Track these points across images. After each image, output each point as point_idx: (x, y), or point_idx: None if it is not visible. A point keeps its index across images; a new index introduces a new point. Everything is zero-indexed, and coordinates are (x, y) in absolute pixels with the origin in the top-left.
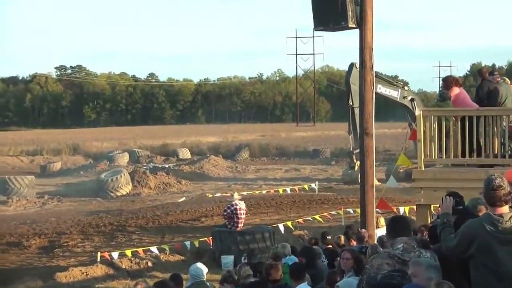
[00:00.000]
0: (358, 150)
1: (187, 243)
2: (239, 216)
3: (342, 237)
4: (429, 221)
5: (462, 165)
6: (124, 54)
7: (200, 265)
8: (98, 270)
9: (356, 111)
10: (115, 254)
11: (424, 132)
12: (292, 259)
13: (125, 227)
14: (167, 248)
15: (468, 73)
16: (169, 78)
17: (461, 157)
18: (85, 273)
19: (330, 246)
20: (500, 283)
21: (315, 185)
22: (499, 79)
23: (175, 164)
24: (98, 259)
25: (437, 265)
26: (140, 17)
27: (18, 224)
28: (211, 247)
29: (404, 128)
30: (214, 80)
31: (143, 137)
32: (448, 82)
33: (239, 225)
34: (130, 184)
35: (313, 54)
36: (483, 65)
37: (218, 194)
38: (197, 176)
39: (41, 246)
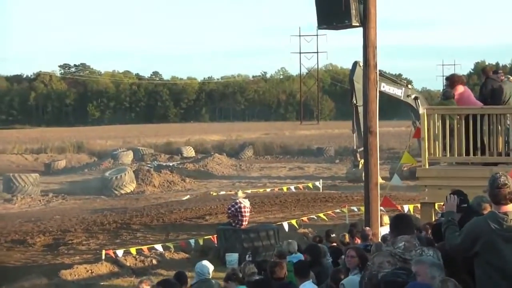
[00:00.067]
0: (362, 149)
1: (192, 241)
2: (243, 214)
3: (347, 235)
4: (433, 219)
5: (466, 163)
6: (128, 52)
7: (206, 262)
8: (103, 267)
9: (360, 109)
10: (119, 252)
11: (428, 130)
12: (298, 256)
13: (130, 225)
14: (171, 246)
15: (472, 71)
16: (173, 76)
17: (465, 155)
18: (90, 271)
19: (335, 244)
20: (505, 281)
21: (319, 183)
22: (503, 77)
23: (179, 162)
24: (103, 257)
25: (440, 264)
26: (143, 15)
27: (23, 222)
28: (216, 245)
29: (408, 126)
30: (218, 79)
31: (147, 135)
32: (453, 80)
33: (244, 223)
34: (135, 182)
35: (317, 52)
36: (487, 63)
37: (222, 192)
38: (201, 174)
39: (45, 243)
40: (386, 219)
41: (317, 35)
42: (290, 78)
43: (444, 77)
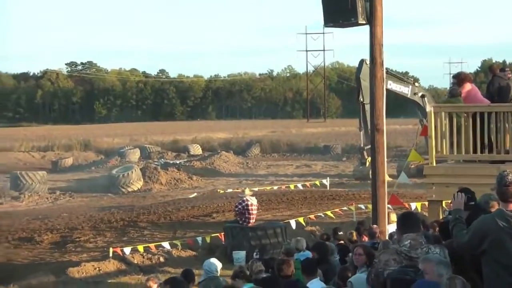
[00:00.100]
0: (369, 146)
1: (199, 238)
2: (250, 211)
3: (354, 233)
4: (440, 217)
5: (473, 161)
6: (135, 50)
7: (214, 260)
8: (111, 265)
9: (367, 107)
10: (127, 250)
11: (435, 128)
12: (306, 254)
13: (137, 223)
14: (179, 244)
15: (479, 69)
16: (179, 74)
17: (473, 153)
18: (97, 268)
19: (342, 242)
20: None
21: (326, 181)
22: (510, 75)
23: (186, 160)
24: (110, 255)
25: (447, 261)
26: (150, 13)
27: (30, 219)
28: (223, 243)
29: (415, 124)
30: (224, 76)
31: (154, 133)
32: (461, 78)
33: (251, 220)
34: (141, 180)
35: (323, 50)
36: (494, 61)
37: (229, 190)
38: (208, 172)
39: (53, 241)
40: (394, 217)
41: (323, 33)
42: (297, 76)
43: (451, 75)
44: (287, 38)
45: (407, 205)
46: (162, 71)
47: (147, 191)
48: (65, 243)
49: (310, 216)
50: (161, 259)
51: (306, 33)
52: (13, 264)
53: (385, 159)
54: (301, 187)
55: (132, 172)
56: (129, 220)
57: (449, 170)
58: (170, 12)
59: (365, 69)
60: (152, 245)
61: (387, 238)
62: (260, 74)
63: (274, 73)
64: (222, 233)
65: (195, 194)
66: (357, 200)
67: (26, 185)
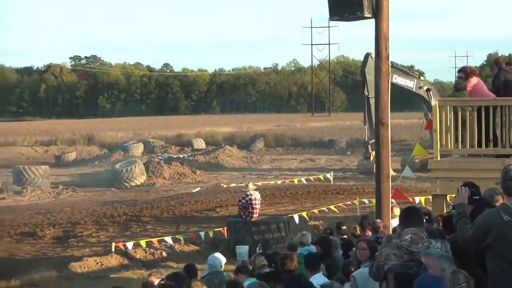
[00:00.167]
0: (373, 140)
1: (202, 233)
2: (254, 206)
3: (358, 228)
4: (445, 211)
5: (478, 155)
6: (139, 44)
7: (218, 255)
8: (113, 260)
9: (372, 101)
10: (129, 244)
11: (440, 122)
12: (309, 249)
13: (140, 218)
14: (181, 238)
15: (484, 63)
16: (183, 68)
17: (477, 147)
18: (99, 263)
19: (345, 236)
20: None
21: (330, 175)
22: None
23: (189, 154)
24: (113, 249)
25: (449, 256)
26: (155, 7)
27: (33, 214)
28: (226, 237)
29: (420, 118)
30: (229, 70)
31: (157, 127)
32: (467, 72)
33: (254, 215)
34: (145, 174)
35: (329, 44)
36: (499, 55)
37: (233, 185)
38: (212, 166)
39: (55, 236)
40: (397, 211)
41: (328, 26)
42: (302, 70)
43: (457, 69)
44: (292, 31)
45: (411, 199)
46: (166, 65)
47: (150, 185)
48: (67, 238)
49: (313, 210)
50: (164, 254)
51: (311, 27)
52: (15, 259)
53: (390, 153)
54: (305, 182)
55: (135, 166)
56: (132, 214)
57: (454, 164)
58: (175, 6)
59: (370, 63)
60: (154, 240)
61: (390, 232)
62: (264, 68)
63: (279, 67)
64: (225, 228)
65: (199, 188)
66: (361, 194)
67: (29, 179)
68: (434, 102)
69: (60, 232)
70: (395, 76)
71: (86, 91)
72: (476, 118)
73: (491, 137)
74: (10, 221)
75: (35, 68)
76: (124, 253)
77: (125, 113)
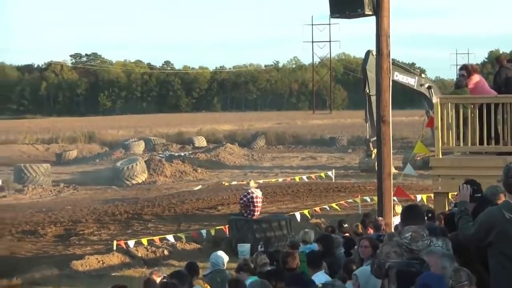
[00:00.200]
0: (375, 138)
1: (203, 231)
2: (255, 204)
3: (360, 226)
4: (446, 209)
5: (480, 153)
6: (140, 42)
7: (221, 253)
8: (114, 258)
9: (373, 98)
10: (131, 243)
11: (442, 119)
12: (311, 247)
13: (141, 216)
14: (183, 237)
15: (486, 60)
16: (184, 66)
17: (479, 144)
18: (101, 262)
19: (347, 234)
20: None
21: (332, 173)
22: None
23: (191, 152)
24: (114, 248)
25: (450, 254)
26: (155, 4)
27: (34, 212)
28: (228, 236)
29: (421, 115)
30: (229, 68)
31: (158, 125)
32: (470, 69)
33: (256, 213)
34: (146, 172)
35: (330, 41)
36: (501, 52)
37: (234, 182)
38: (213, 164)
39: (57, 234)
40: (399, 209)
41: (329, 24)
42: (303, 67)
43: (458, 66)
44: (293, 29)
45: (413, 197)
46: (167, 63)
47: (151, 183)
48: (68, 236)
49: (315, 208)
50: (165, 252)
51: (312, 24)
52: (16, 257)
53: (391, 151)
54: (306, 179)
55: (136, 164)
56: (133, 212)
57: (455, 162)
58: (175, 3)
59: (372, 60)
60: (156, 238)
61: (392, 230)
62: (265, 66)
63: (280, 65)
64: (227, 226)
65: (200, 186)
66: (362, 192)
67: (30, 177)
68: (435, 99)
69: (62, 230)
70: (396, 73)
71: (86, 88)
72: (477, 116)
73: (492, 134)
74: (11, 219)
75: (35, 65)
76: (126, 251)
77: (126, 111)
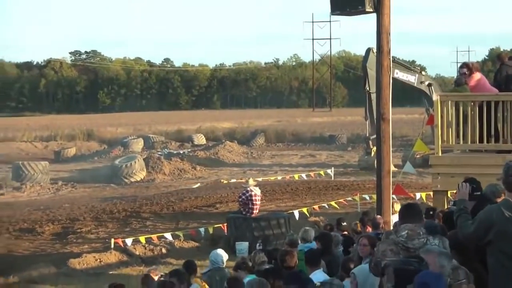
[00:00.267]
0: (374, 136)
1: (202, 229)
2: (254, 202)
3: (359, 224)
4: (446, 207)
5: (479, 151)
6: (139, 39)
7: (220, 251)
8: (112, 256)
9: (373, 96)
10: (129, 241)
11: (442, 117)
12: (311, 245)
13: (139, 214)
14: (181, 235)
15: (486, 57)
16: (184, 63)
17: (479, 142)
18: (98, 260)
19: (346, 232)
20: None
21: (331, 171)
22: None
23: (190, 150)
24: (112, 246)
25: (448, 252)
26: (155, 1)
27: (32, 210)
28: (226, 234)
29: (421, 113)
30: (229, 65)
31: (158, 123)
32: (472, 67)
33: (254, 211)
34: (145, 170)
35: (330, 39)
36: (501, 50)
37: (233, 180)
38: (212, 162)
39: (54, 232)
40: (398, 207)
41: (330, 21)
42: (303, 64)
43: (458, 64)
44: (294, 26)
45: (412, 195)
46: (166, 60)
47: (150, 181)
48: (66, 234)
49: (314, 206)
50: (163, 250)
51: (313, 21)
52: (14, 255)
53: (391, 149)
54: (305, 177)
55: (135, 162)
56: (132, 211)
57: (455, 160)
58: (175, 1)
59: (372, 58)
60: (154, 236)
61: (391, 228)
62: (265, 63)
63: (280, 62)
64: (225, 224)
65: (199, 184)
66: (361, 190)
67: (28, 175)
68: (435, 97)
69: (59, 229)
70: (396, 71)
71: (86, 86)
72: (477, 114)
73: (492, 132)
74: (9, 217)
75: (35, 63)
76: (123, 250)
77: (125, 108)
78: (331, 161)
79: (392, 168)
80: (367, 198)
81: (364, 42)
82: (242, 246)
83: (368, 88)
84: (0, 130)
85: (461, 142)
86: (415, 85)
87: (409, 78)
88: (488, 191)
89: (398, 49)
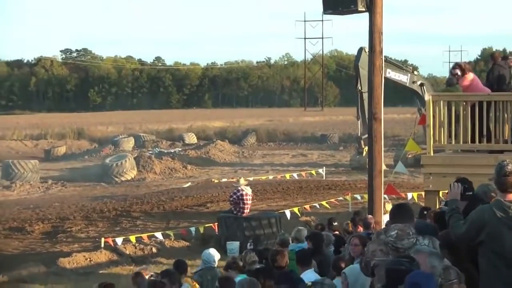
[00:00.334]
0: (366, 135)
1: (192, 229)
2: (245, 201)
3: (350, 224)
4: (437, 207)
5: (471, 151)
6: (130, 37)
7: (212, 251)
8: (102, 256)
9: (365, 95)
10: (119, 240)
11: (434, 117)
12: (303, 245)
13: (130, 213)
14: (172, 234)
15: (479, 57)
16: (175, 62)
17: (471, 142)
18: (88, 259)
19: (337, 232)
20: (509, 270)
21: (323, 170)
22: None
23: (181, 149)
24: (102, 245)
25: (438, 253)
26: (146, 0)
27: (21, 209)
28: (217, 233)
29: (413, 113)
30: (221, 64)
31: (149, 122)
32: (464, 68)
33: (245, 210)
34: (135, 169)
35: (322, 38)
36: (493, 49)
37: (224, 180)
38: (203, 161)
39: (44, 231)
40: (389, 207)
41: (322, 20)
42: (295, 64)
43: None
44: (285, 25)
45: (403, 195)
46: (158, 59)
47: (140, 180)
48: (56, 233)
49: (305, 206)
50: (154, 249)
51: (305, 20)
52: (3, 254)
53: (382, 149)
54: (296, 177)
55: (125, 161)
56: (122, 210)
57: (447, 160)
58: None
59: (364, 57)
60: (144, 236)
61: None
62: (257, 62)
63: (272, 61)
64: (216, 223)
65: (189, 183)
66: (353, 190)
67: (18, 174)
68: (427, 97)
69: (49, 227)
70: (388, 70)
71: (76, 84)
72: (469, 113)
73: (484, 132)
74: None
75: (25, 61)
76: (114, 249)
77: (116, 107)
78: (323, 160)
79: (384, 168)
80: (359, 197)
81: (356, 42)
82: (233, 246)
83: (360, 88)
84: None
85: (453, 142)
86: (407, 84)
87: (401, 77)
88: (480, 191)
89: (390, 49)
